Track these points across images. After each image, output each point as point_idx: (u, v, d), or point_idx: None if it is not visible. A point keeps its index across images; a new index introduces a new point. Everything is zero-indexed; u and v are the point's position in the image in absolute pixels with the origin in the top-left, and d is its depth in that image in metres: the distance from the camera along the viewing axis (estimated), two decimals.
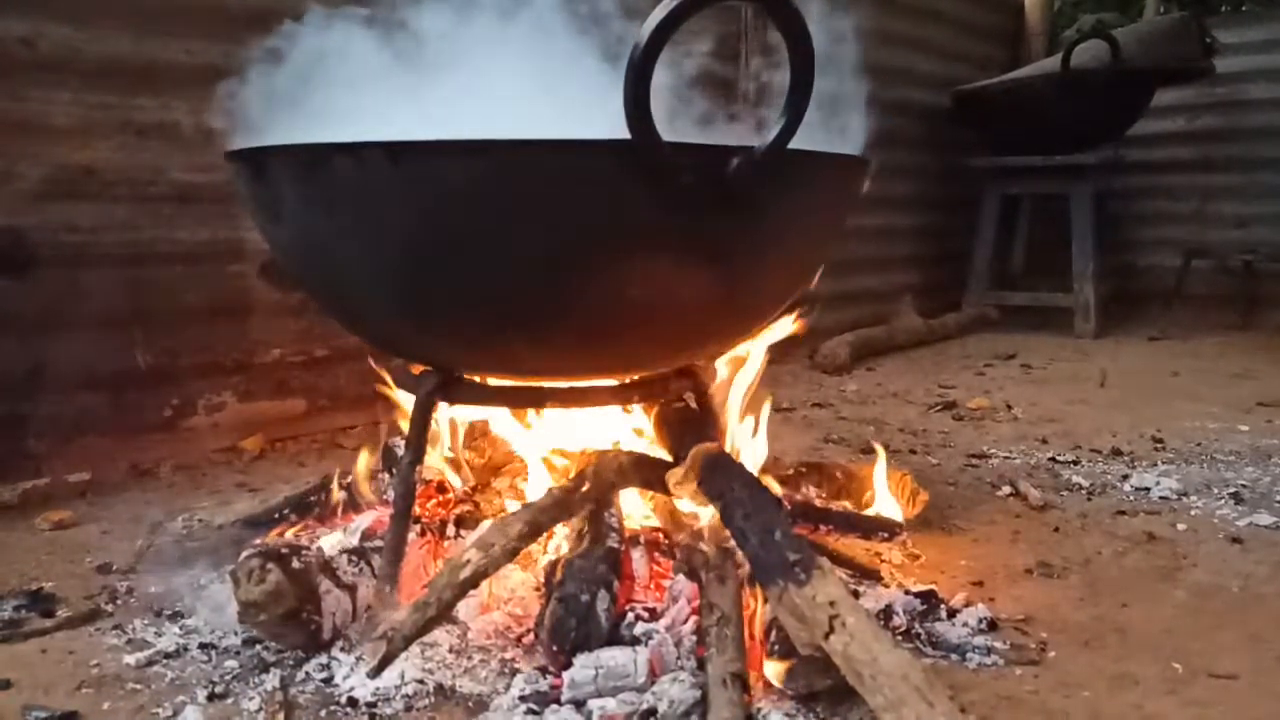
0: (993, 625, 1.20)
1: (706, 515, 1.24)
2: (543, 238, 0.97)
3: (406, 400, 1.28)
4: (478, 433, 1.44)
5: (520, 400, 1.24)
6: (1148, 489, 1.80)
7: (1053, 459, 2.03)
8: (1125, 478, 1.88)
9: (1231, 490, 1.79)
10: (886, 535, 1.49)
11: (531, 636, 1.12)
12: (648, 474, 1.27)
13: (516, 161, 0.93)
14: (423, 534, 1.27)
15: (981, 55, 4.44)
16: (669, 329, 1.11)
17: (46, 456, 1.76)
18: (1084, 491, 1.81)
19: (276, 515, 1.44)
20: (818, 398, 2.69)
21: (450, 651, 1.10)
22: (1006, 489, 1.81)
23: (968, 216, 4.08)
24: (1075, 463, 2.01)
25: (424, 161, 0.94)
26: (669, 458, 1.30)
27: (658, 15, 0.86)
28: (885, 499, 1.52)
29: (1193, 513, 1.68)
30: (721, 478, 1.16)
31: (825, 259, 1.28)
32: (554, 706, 0.97)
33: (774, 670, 1.01)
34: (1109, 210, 4.12)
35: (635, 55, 0.86)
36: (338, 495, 1.44)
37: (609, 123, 0.91)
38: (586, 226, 0.97)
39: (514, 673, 1.05)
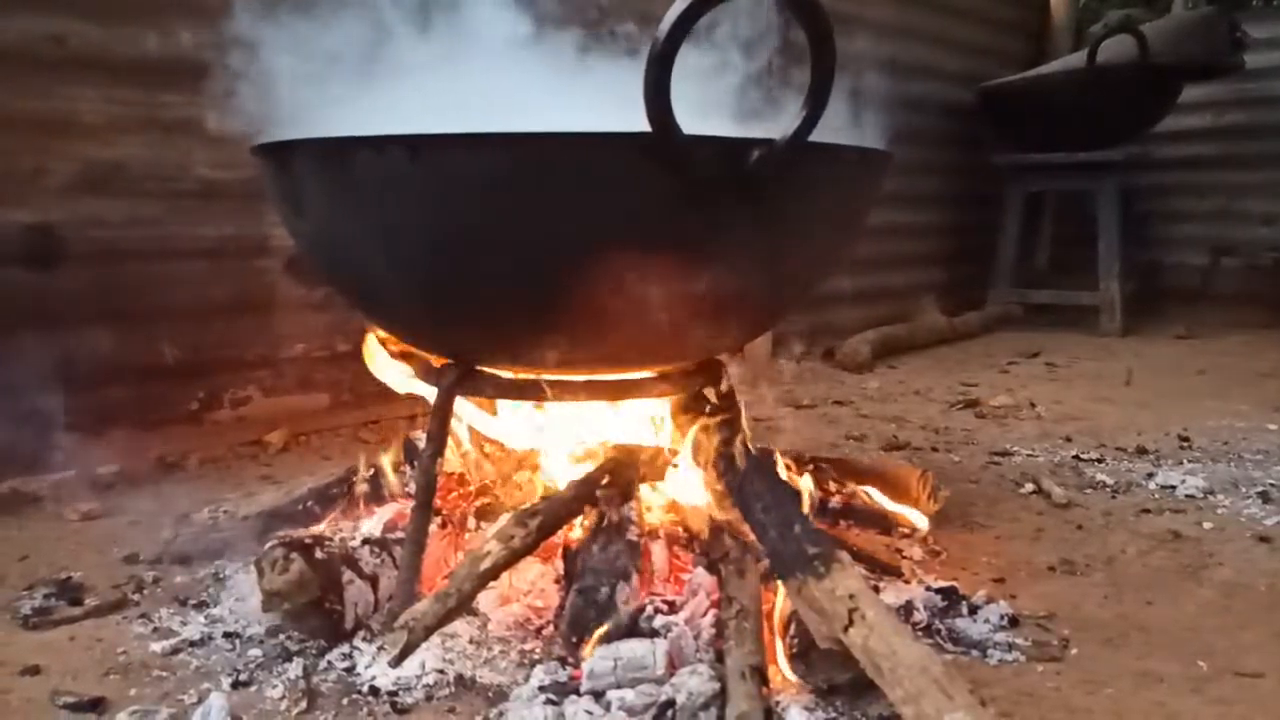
0: (1014, 622, 1.19)
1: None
2: (563, 231, 0.98)
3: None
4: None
5: (540, 394, 1.24)
6: (1173, 487, 1.78)
7: (1076, 457, 2.01)
8: (1150, 476, 1.86)
9: (1259, 489, 1.76)
10: (907, 531, 1.49)
11: (551, 628, 1.12)
12: (668, 468, 1.27)
13: (537, 154, 0.93)
14: (444, 526, 1.28)
15: (1006, 51, 4.40)
16: (689, 322, 1.11)
17: (75, 449, 1.79)
18: (1108, 489, 1.79)
19: (300, 507, 1.45)
20: (839, 395, 2.68)
21: (470, 642, 1.11)
22: (1029, 487, 1.79)
23: (992, 213, 4.04)
24: (1099, 461, 1.99)
25: (445, 155, 0.95)
26: (690, 452, 1.30)
27: (677, 8, 0.86)
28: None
29: (1219, 511, 1.66)
30: (742, 470, 1.16)
31: (846, 252, 1.27)
32: (573, 697, 0.98)
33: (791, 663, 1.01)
34: (1135, 207, 4.07)
35: (655, 48, 0.86)
36: (360, 488, 1.45)
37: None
38: (607, 219, 0.97)
39: (533, 664, 1.06)
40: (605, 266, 1.00)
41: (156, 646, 1.13)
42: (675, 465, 1.30)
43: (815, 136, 0.96)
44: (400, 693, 1.02)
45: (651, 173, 0.93)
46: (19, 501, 1.68)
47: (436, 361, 1.27)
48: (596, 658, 1.01)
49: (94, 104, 1.76)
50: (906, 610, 1.17)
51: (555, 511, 1.16)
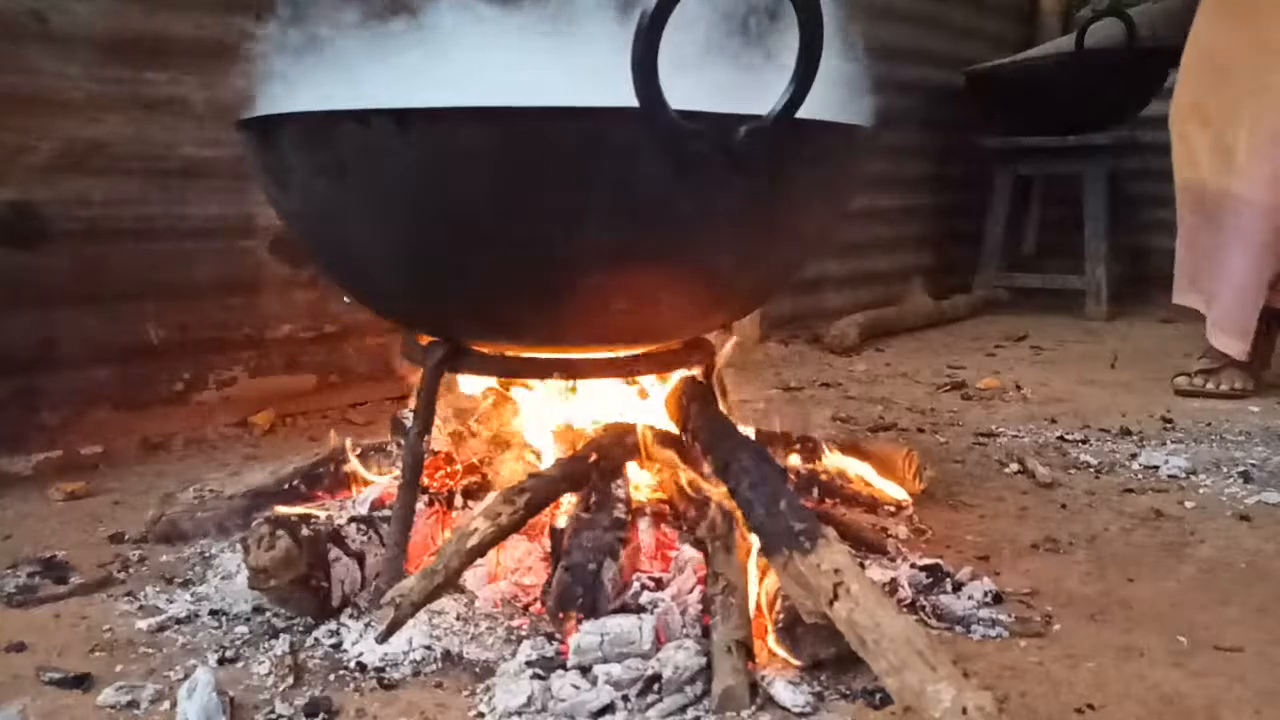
0: (998, 598, 1.20)
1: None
2: (550, 205, 0.97)
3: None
4: (488, 405, 1.44)
5: (528, 371, 1.24)
6: (1156, 467, 1.80)
7: (1061, 438, 2.03)
8: (1134, 456, 1.87)
9: (1241, 469, 1.78)
10: (893, 510, 1.49)
11: (538, 605, 1.12)
12: (655, 445, 1.28)
13: (524, 128, 0.93)
14: (431, 504, 1.28)
15: (995, 34, 4.40)
16: (677, 299, 1.11)
17: (60, 429, 1.78)
18: (1092, 469, 1.80)
19: (286, 486, 1.45)
20: (826, 378, 2.69)
21: (458, 619, 1.11)
22: (1014, 466, 1.80)
23: (979, 197, 4.05)
24: (1084, 442, 2.00)
25: (431, 128, 0.94)
26: (677, 430, 1.30)
27: None
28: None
29: (1201, 491, 1.68)
30: (728, 448, 1.16)
31: (833, 230, 1.27)
32: (560, 671, 0.98)
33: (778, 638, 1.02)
34: (1122, 191, 4.08)
35: (643, 21, 0.86)
36: (347, 466, 1.45)
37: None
38: (594, 194, 0.97)
39: (520, 639, 1.06)
40: (591, 242, 1.00)
41: (142, 624, 1.13)
42: (663, 443, 1.30)
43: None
44: (387, 668, 1.02)
45: (639, 147, 0.93)
46: (3, 481, 1.67)
47: (423, 339, 1.26)
48: (584, 633, 1.01)
49: (76, 81, 1.74)
50: (891, 587, 1.18)
51: (543, 489, 1.16)
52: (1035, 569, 1.32)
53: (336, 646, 1.07)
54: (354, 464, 1.44)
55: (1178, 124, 2.46)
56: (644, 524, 1.24)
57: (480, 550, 1.07)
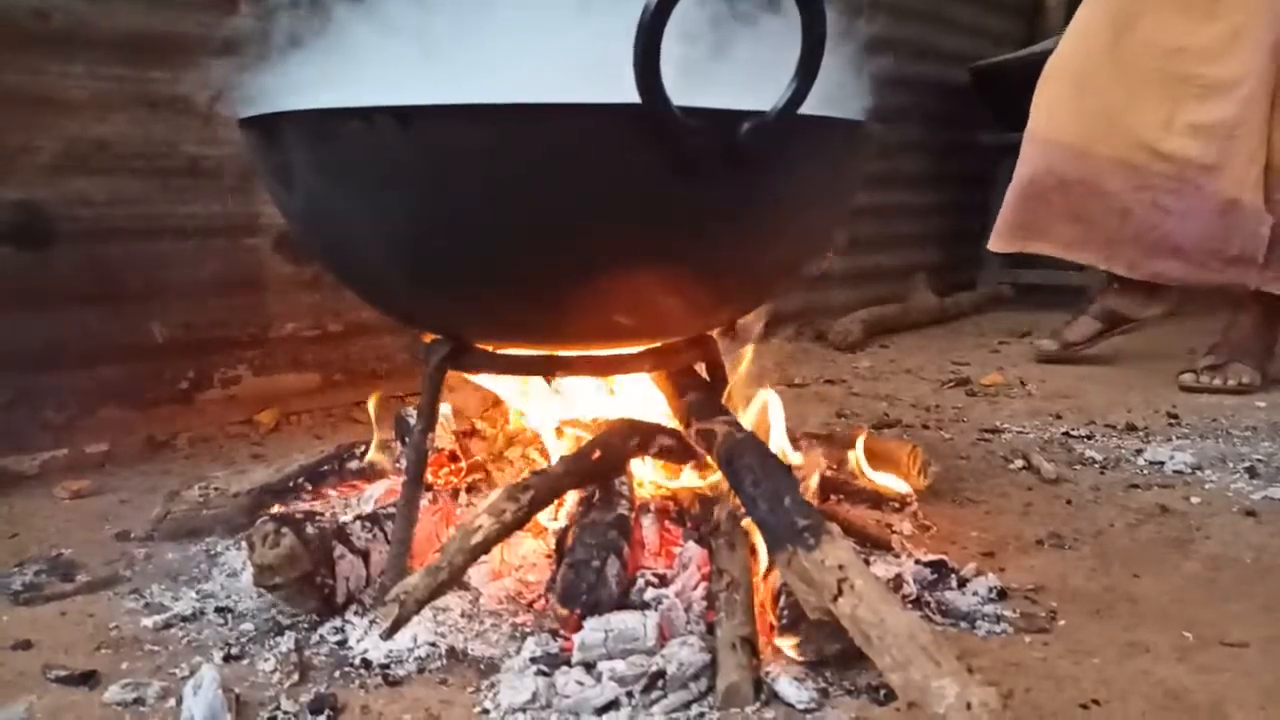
0: (1003, 594, 1.20)
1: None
2: (553, 203, 0.97)
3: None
4: (491, 403, 1.45)
5: (532, 369, 1.24)
6: (1161, 463, 1.79)
7: (1066, 434, 2.02)
8: (1139, 452, 1.87)
9: (1246, 464, 1.78)
10: (897, 506, 1.49)
11: (542, 602, 1.13)
12: (659, 443, 1.28)
13: (527, 125, 0.93)
14: (435, 501, 1.28)
15: (999, 30, 4.39)
16: (681, 296, 1.11)
17: (65, 428, 1.78)
18: (1097, 465, 1.80)
19: (291, 484, 1.45)
20: (830, 374, 2.69)
21: (462, 616, 1.11)
22: (1019, 462, 1.80)
23: (983, 194, 4.04)
24: (1089, 437, 2.00)
25: (434, 126, 0.94)
26: (681, 427, 1.30)
27: None
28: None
29: (1207, 486, 1.67)
30: (731, 445, 1.16)
31: (837, 227, 1.27)
32: (564, 668, 0.98)
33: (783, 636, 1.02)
34: None
35: (645, 16, 0.85)
36: (352, 464, 1.45)
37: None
38: (597, 191, 0.97)
39: (525, 636, 1.06)
40: (595, 239, 1.00)
41: (148, 621, 1.13)
42: (666, 439, 1.30)
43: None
44: (392, 665, 1.02)
45: (642, 144, 0.93)
46: (9, 480, 1.68)
47: (426, 337, 1.27)
48: (588, 630, 1.01)
49: (79, 80, 1.75)
50: (896, 583, 1.18)
51: (547, 486, 1.16)
52: (1040, 565, 1.32)
53: (341, 643, 1.07)
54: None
55: (1050, 87, 2.48)
56: (648, 520, 1.24)
57: (484, 547, 1.07)
